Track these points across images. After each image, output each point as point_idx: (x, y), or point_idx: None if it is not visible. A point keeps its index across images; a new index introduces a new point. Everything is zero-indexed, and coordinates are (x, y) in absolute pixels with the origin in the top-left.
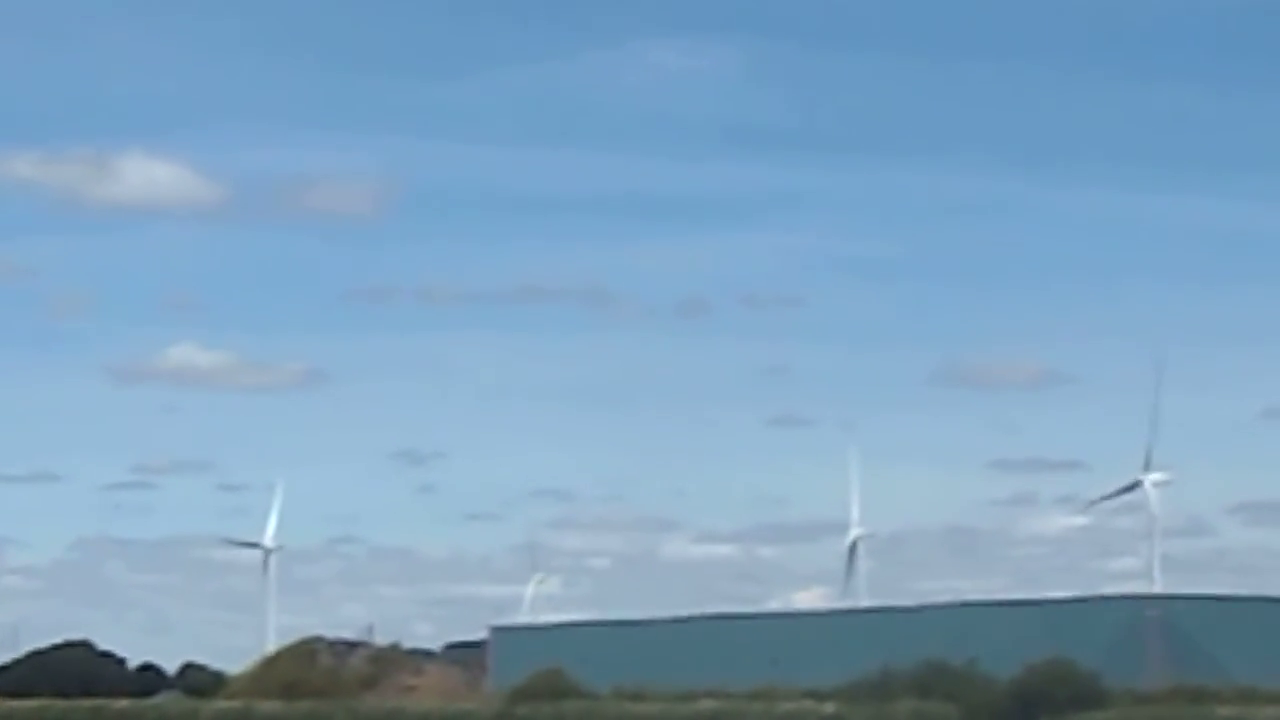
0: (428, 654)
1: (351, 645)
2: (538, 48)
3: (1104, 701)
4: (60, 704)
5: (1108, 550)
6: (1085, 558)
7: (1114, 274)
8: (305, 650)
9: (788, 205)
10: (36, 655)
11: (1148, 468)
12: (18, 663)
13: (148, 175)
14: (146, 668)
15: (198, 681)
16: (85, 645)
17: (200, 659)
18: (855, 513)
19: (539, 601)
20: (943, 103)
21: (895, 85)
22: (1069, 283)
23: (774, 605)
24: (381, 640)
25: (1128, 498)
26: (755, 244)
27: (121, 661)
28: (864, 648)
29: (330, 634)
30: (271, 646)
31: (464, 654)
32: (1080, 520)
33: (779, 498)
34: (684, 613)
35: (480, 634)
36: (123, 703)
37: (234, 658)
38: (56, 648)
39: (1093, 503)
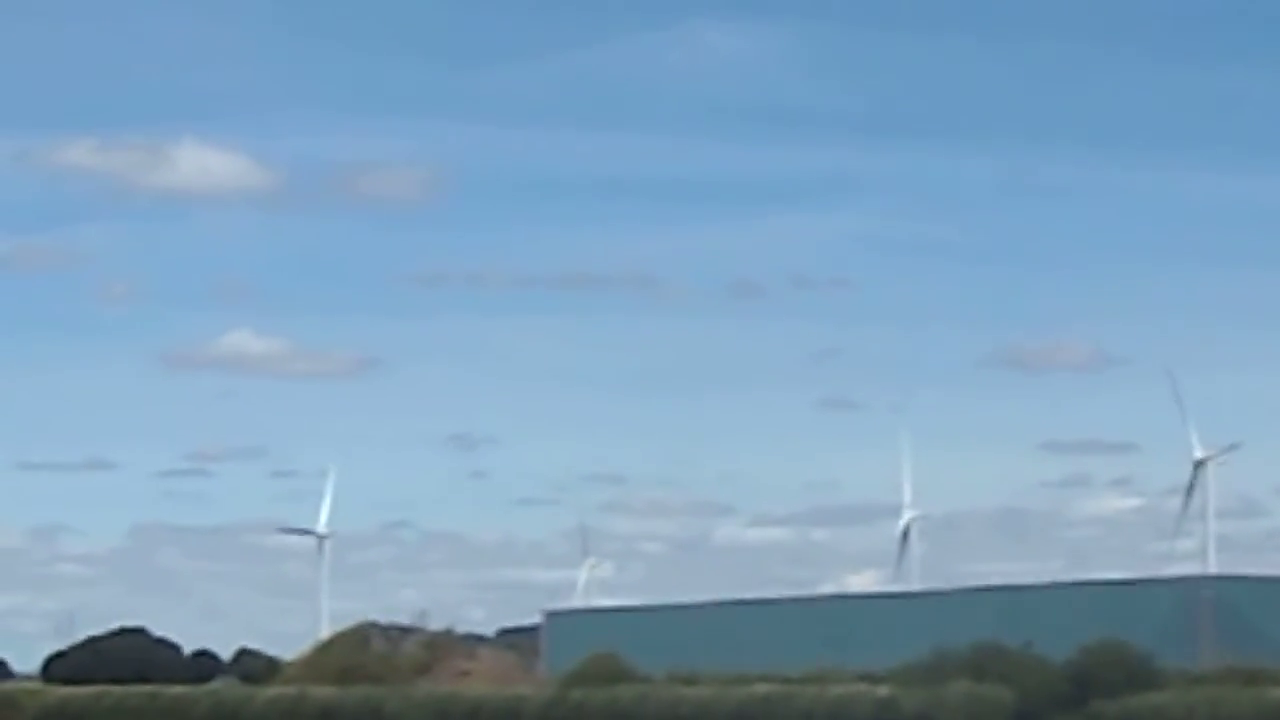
0: (481, 639)
1: (405, 631)
2: (588, 31)
3: (1158, 683)
4: (116, 690)
5: (1161, 531)
6: (1139, 539)
7: (1166, 255)
8: (359, 636)
9: (838, 187)
10: (93, 642)
11: (1201, 448)
12: (75, 649)
13: (201, 163)
14: (202, 654)
15: (252, 667)
16: (141, 632)
17: (255, 645)
18: (908, 495)
19: (592, 586)
20: (994, 84)
21: (946, 67)
22: (1121, 264)
23: (827, 588)
24: (435, 625)
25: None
26: (806, 226)
27: (177, 648)
28: (917, 630)
29: (384, 619)
30: (325, 632)
31: (517, 639)
32: (1134, 502)
33: (831, 481)
34: (737, 596)
35: (533, 619)
36: (178, 689)
37: (288, 643)
38: (113, 634)
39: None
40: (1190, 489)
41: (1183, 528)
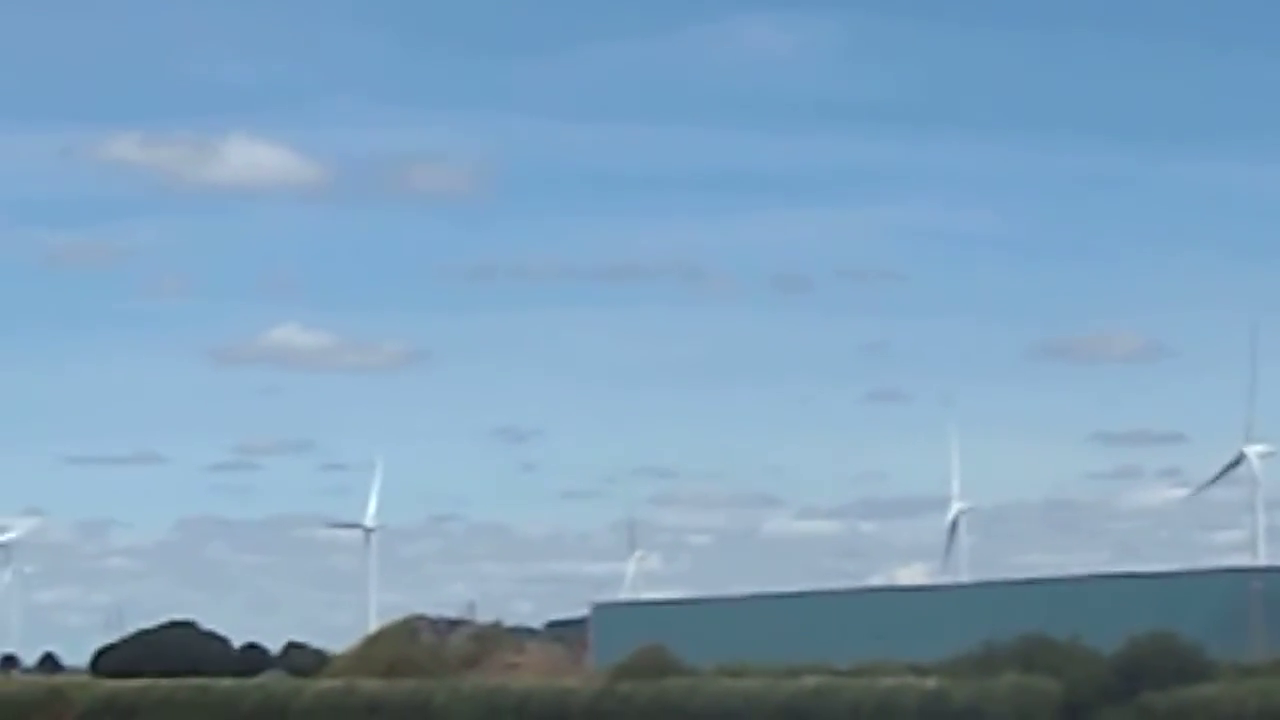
0: (529, 632)
1: (453, 623)
2: (637, 24)
3: (1208, 674)
4: (165, 683)
5: (1211, 523)
6: (1188, 530)
7: (1216, 246)
8: (407, 629)
9: (887, 180)
10: (142, 635)
11: (1249, 439)
12: (124, 643)
13: (249, 156)
14: (250, 647)
15: (300, 661)
16: (190, 625)
17: (303, 638)
18: (956, 487)
19: (640, 578)
20: (1043, 76)
21: (995, 59)
22: (1171, 255)
23: (876, 581)
24: (483, 618)
25: (1232, 473)
26: (854, 219)
27: (225, 641)
28: (966, 623)
29: (432, 612)
30: (373, 625)
31: (565, 631)
32: (1183, 493)
33: (879, 473)
34: (785, 589)
35: (581, 611)
36: (227, 682)
37: (336, 637)
38: (161, 628)
39: (1200, 487)
40: (1231, 468)
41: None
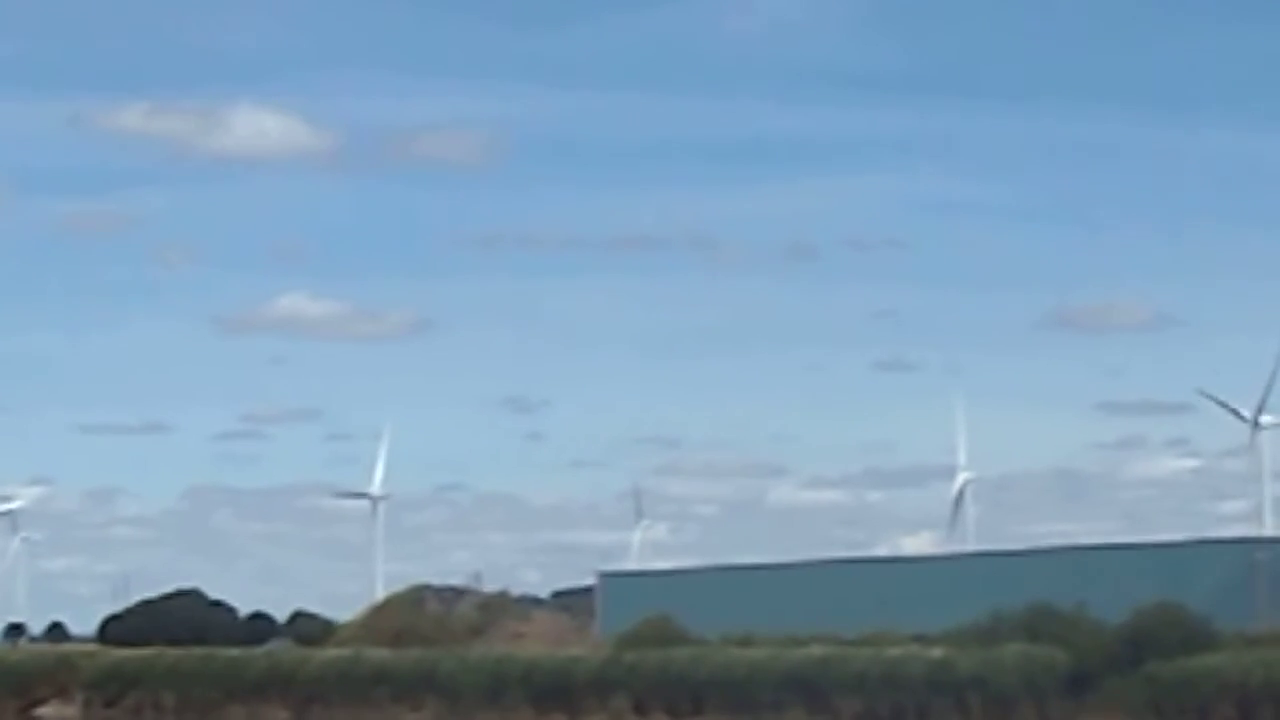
0: (535, 601)
1: (459, 592)
2: None
3: (1214, 644)
4: (172, 652)
5: (1217, 493)
6: (1194, 500)
7: (1223, 216)
8: (413, 598)
9: (895, 149)
10: (148, 604)
11: (1262, 410)
12: (130, 611)
13: (256, 125)
14: (256, 616)
15: (307, 630)
16: (196, 594)
17: (310, 607)
18: (962, 457)
19: (646, 548)
20: (1051, 45)
21: (1001, 27)
22: (1178, 225)
23: (882, 550)
24: (489, 587)
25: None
26: (862, 188)
27: (232, 610)
28: (972, 592)
29: (438, 581)
30: (380, 594)
31: (571, 600)
32: (1190, 463)
33: (886, 442)
34: (791, 558)
35: (587, 580)
36: (233, 651)
37: (343, 605)
38: (168, 596)
39: (1205, 394)
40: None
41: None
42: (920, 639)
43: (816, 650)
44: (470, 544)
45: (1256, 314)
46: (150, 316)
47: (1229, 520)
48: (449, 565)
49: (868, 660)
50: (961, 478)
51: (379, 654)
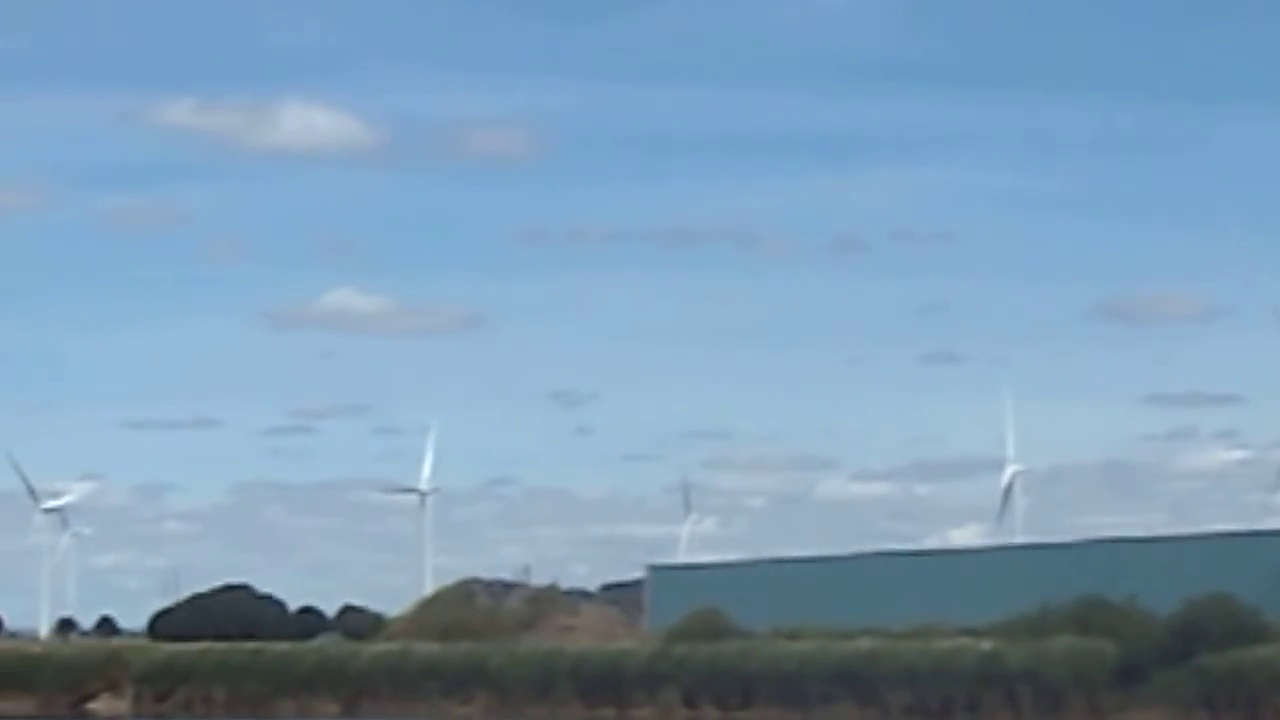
0: (584, 594)
1: (508, 586)
2: None
3: (1264, 636)
4: (221, 646)
5: (1268, 484)
6: (1245, 491)
7: (1273, 206)
8: (463, 592)
9: (942, 141)
10: (198, 599)
11: None
12: (180, 606)
13: (304, 121)
14: (306, 610)
15: (357, 624)
16: (246, 588)
17: (359, 601)
18: (1011, 449)
19: (695, 541)
20: (1100, 36)
21: (1049, 18)
22: (1228, 216)
23: (930, 543)
24: (538, 581)
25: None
26: (909, 180)
27: (281, 604)
28: (1021, 584)
29: (487, 575)
30: (429, 588)
31: (620, 594)
32: (1239, 454)
33: (934, 435)
34: (840, 551)
35: (636, 574)
36: (283, 645)
37: (392, 600)
38: (217, 591)
39: None
40: None
41: None
42: (969, 632)
43: (865, 643)
44: (519, 538)
45: None
46: (199, 312)
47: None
48: (498, 559)
49: (917, 653)
50: (1010, 470)
51: (428, 648)
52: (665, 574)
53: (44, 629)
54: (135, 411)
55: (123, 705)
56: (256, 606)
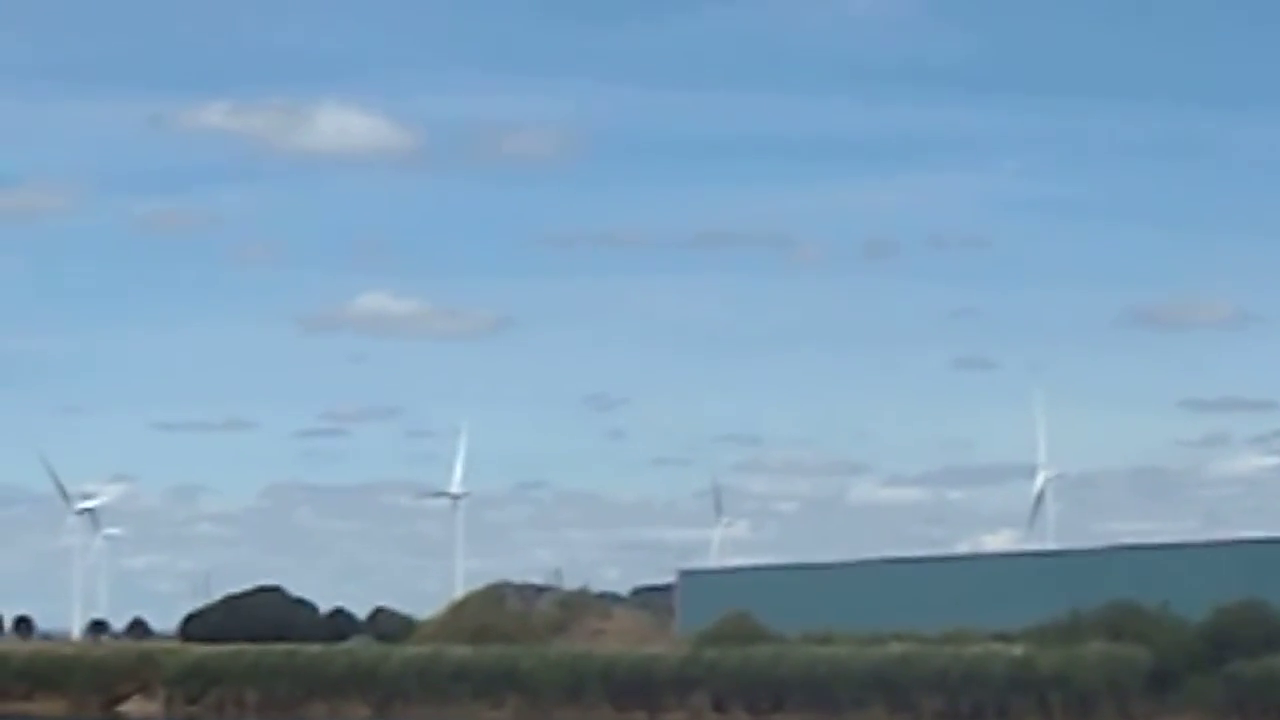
0: (615, 598)
1: (539, 590)
2: None
3: None
4: (253, 649)
5: None
6: (1278, 498)
7: None
8: (494, 595)
9: (974, 146)
10: (230, 601)
11: None
12: (212, 608)
13: (338, 124)
14: (337, 613)
15: (388, 626)
16: (277, 591)
17: (390, 604)
18: (1043, 454)
19: (726, 545)
20: (1131, 42)
21: (1083, 25)
22: (1260, 221)
23: (962, 548)
24: (569, 585)
25: None
26: (942, 185)
27: (313, 607)
28: (1053, 590)
29: (518, 579)
30: (460, 591)
31: (651, 598)
32: (1273, 460)
33: (966, 440)
34: (871, 556)
35: (668, 578)
36: (315, 648)
37: (423, 602)
38: (249, 593)
39: None
40: None
41: None
42: (1001, 637)
43: (897, 648)
44: (551, 541)
45: None
46: (232, 315)
47: None
48: (530, 563)
49: (949, 658)
50: (1042, 476)
51: (459, 651)
52: (696, 578)
53: (76, 631)
54: (168, 414)
55: (154, 707)
56: (288, 609)
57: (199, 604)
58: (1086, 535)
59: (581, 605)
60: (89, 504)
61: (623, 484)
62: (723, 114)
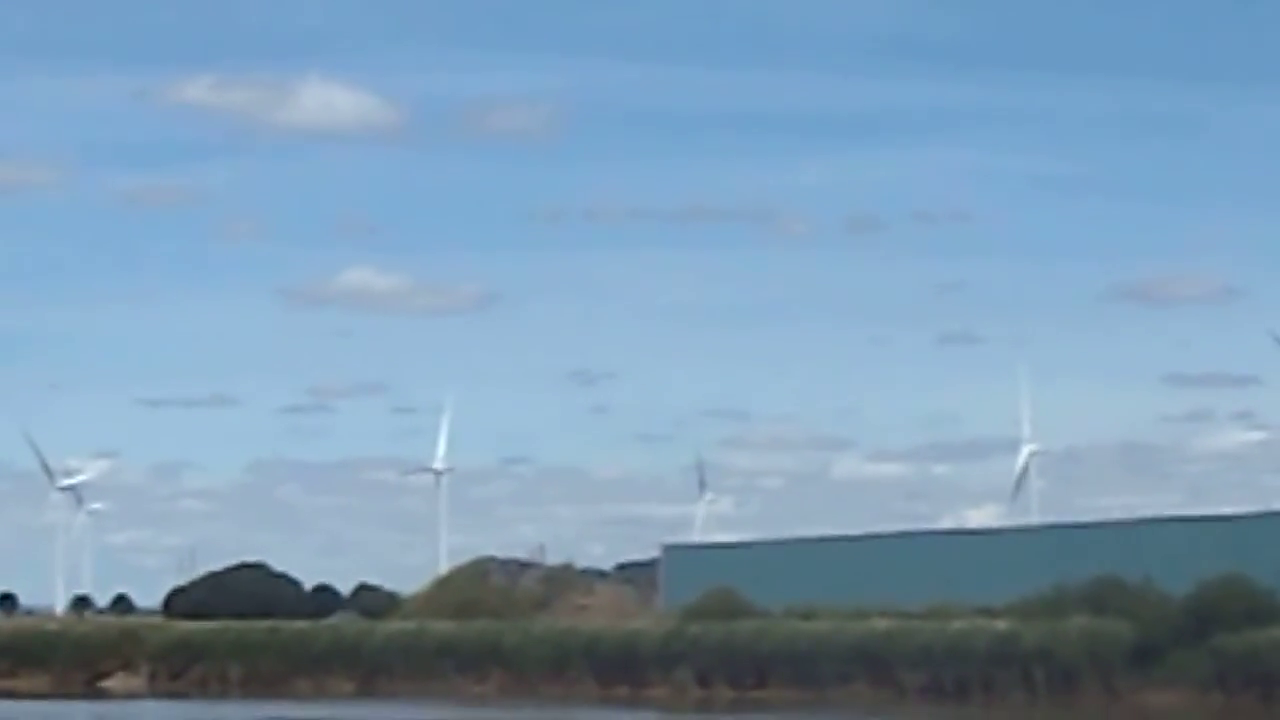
0: (599, 574)
1: (523, 565)
2: None
3: None
4: (237, 625)
5: None
6: (1262, 473)
7: None
8: (478, 571)
9: (960, 120)
10: (214, 577)
11: None
12: (195, 584)
13: (323, 99)
14: (321, 589)
15: (371, 602)
16: (261, 567)
17: (374, 580)
18: (1027, 429)
19: (710, 521)
20: (1119, 16)
21: None
22: (1245, 197)
23: (946, 523)
24: (553, 560)
25: None
26: (927, 160)
27: (297, 583)
28: (1036, 565)
29: (502, 554)
30: (444, 567)
31: (635, 573)
32: (1257, 435)
33: (951, 415)
34: (855, 531)
35: (651, 553)
36: (299, 624)
37: (407, 578)
38: (233, 569)
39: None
40: None
41: None
42: (985, 612)
43: (880, 623)
44: (535, 517)
45: None
46: (216, 291)
47: None
48: (513, 538)
49: (932, 633)
50: (1026, 450)
51: (443, 627)
52: (680, 553)
53: (59, 607)
54: (151, 389)
55: (138, 683)
56: (272, 585)
57: (183, 580)
58: (1070, 510)
59: (565, 581)
60: (72, 480)
61: (607, 459)
62: (708, 89)
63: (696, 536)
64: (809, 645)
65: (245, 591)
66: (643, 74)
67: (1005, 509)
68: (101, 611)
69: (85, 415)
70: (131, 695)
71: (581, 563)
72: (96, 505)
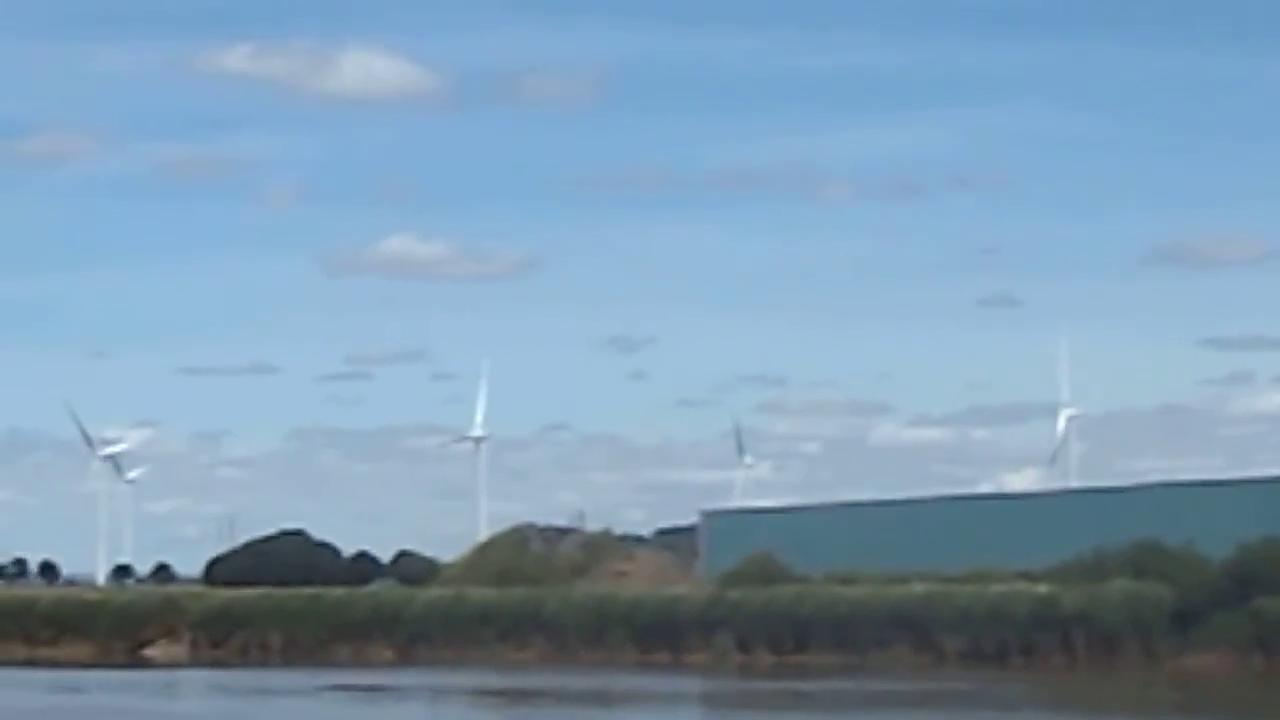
0: (638, 539)
1: (563, 532)
2: None
3: None
4: (278, 593)
5: None
6: None
7: None
8: (517, 537)
9: (1000, 83)
10: (254, 545)
11: None
12: (235, 553)
13: (364, 66)
14: (361, 556)
15: (411, 569)
16: (301, 534)
17: (413, 547)
18: (1067, 393)
19: (750, 486)
20: None
21: None
22: None
23: (985, 487)
24: (592, 526)
25: None
26: (968, 122)
27: (336, 550)
28: (1076, 529)
29: (542, 521)
30: (484, 534)
31: (674, 539)
32: None
33: (990, 379)
34: (895, 496)
35: (691, 519)
36: (339, 591)
37: (447, 545)
38: (273, 537)
39: None
40: None
41: None
42: (1025, 576)
43: (920, 588)
44: (574, 483)
45: None
46: (256, 259)
47: None
48: (553, 505)
49: (972, 597)
50: (1066, 414)
51: (483, 593)
52: (719, 519)
53: (101, 576)
54: (192, 358)
55: (179, 651)
56: (312, 552)
57: (223, 548)
58: (1110, 474)
59: (605, 547)
60: (113, 449)
61: (646, 425)
62: (747, 54)
63: (736, 502)
64: (849, 610)
65: (285, 559)
66: (683, 39)
67: (1045, 473)
68: (142, 580)
69: (125, 384)
70: (173, 663)
71: (621, 529)
72: (137, 474)
